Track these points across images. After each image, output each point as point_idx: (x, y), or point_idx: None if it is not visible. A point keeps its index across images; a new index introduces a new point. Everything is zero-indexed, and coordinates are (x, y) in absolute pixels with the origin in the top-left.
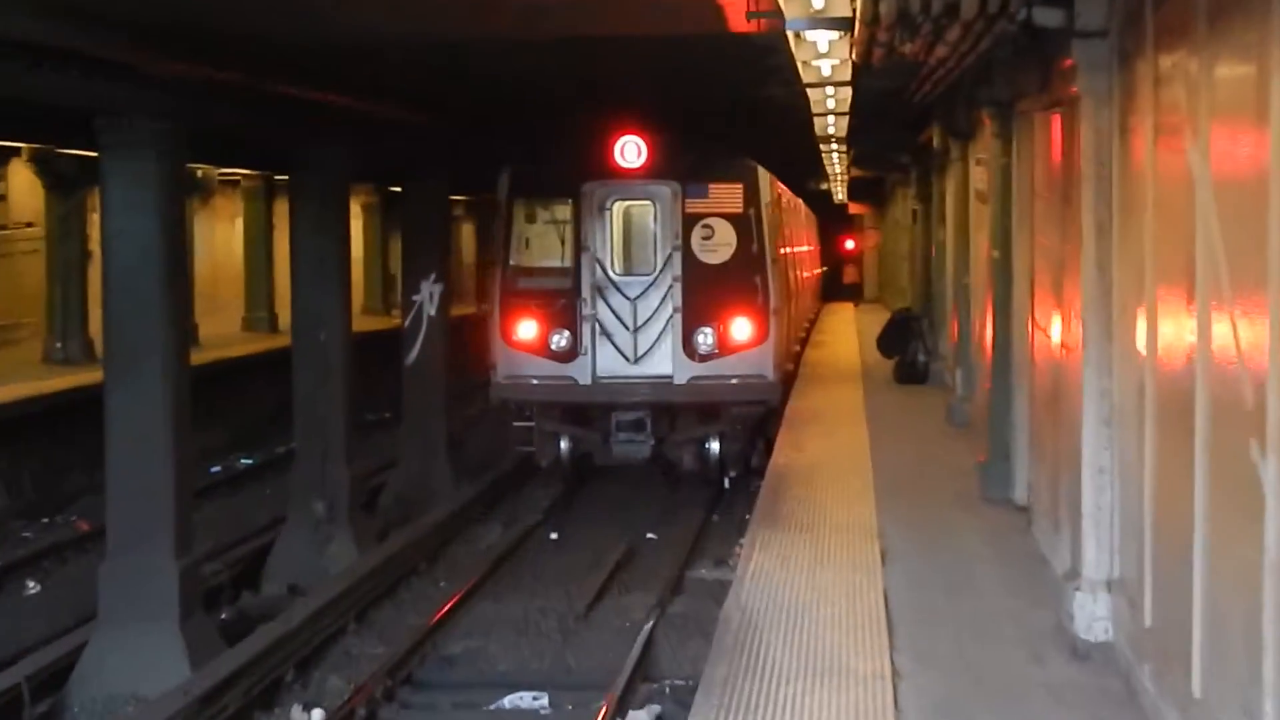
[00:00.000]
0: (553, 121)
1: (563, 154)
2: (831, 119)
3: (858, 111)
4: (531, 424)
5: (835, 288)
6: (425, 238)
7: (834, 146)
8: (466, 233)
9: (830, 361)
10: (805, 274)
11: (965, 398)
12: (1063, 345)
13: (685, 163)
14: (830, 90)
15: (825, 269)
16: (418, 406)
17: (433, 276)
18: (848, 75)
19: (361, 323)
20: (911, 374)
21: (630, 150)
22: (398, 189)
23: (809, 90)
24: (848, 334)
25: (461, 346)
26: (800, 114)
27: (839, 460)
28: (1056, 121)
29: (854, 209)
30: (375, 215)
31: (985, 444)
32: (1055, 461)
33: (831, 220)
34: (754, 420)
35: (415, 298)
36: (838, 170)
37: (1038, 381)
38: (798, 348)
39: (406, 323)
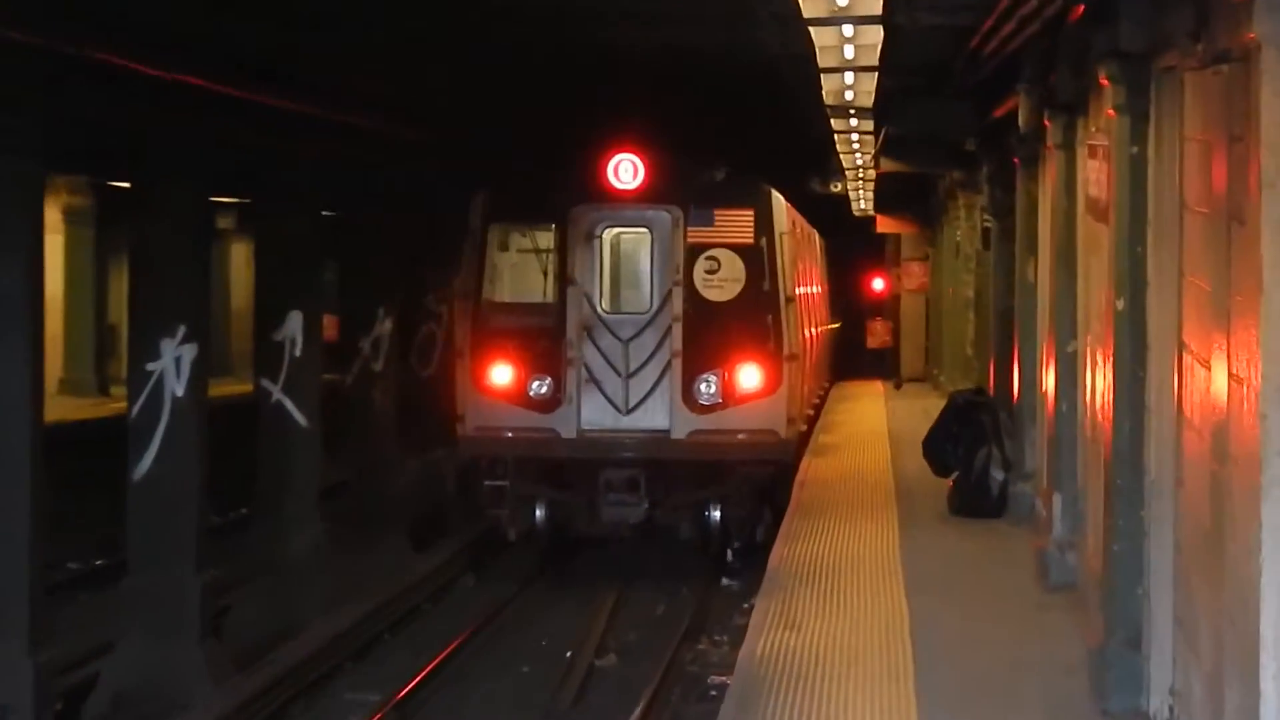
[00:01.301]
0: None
1: (545, 173)
2: (850, 78)
3: (893, 67)
4: (504, 483)
5: (854, 356)
6: (170, 268)
7: (853, 123)
8: (238, 260)
9: (845, 479)
10: (810, 330)
11: (1069, 542)
12: (1229, 455)
13: (687, 185)
14: (848, 31)
15: (838, 325)
16: (153, 548)
17: (181, 332)
18: (877, 7)
19: (61, 408)
20: (979, 500)
21: (625, 169)
22: (126, 185)
23: (813, 30)
24: (873, 434)
25: (233, 448)
26: (800, 67)
27: (859, 646)
28: (1220, 87)
29: (885, 225)
30: (87, 229)
31: (1101, 619)
32: (1216, 650)
33: (849, 245)
34: (762, 483)
35: (152, 366)
36: (859, 162)
37: (1188, 515)
38: (810, 411)
39: (136, 408)
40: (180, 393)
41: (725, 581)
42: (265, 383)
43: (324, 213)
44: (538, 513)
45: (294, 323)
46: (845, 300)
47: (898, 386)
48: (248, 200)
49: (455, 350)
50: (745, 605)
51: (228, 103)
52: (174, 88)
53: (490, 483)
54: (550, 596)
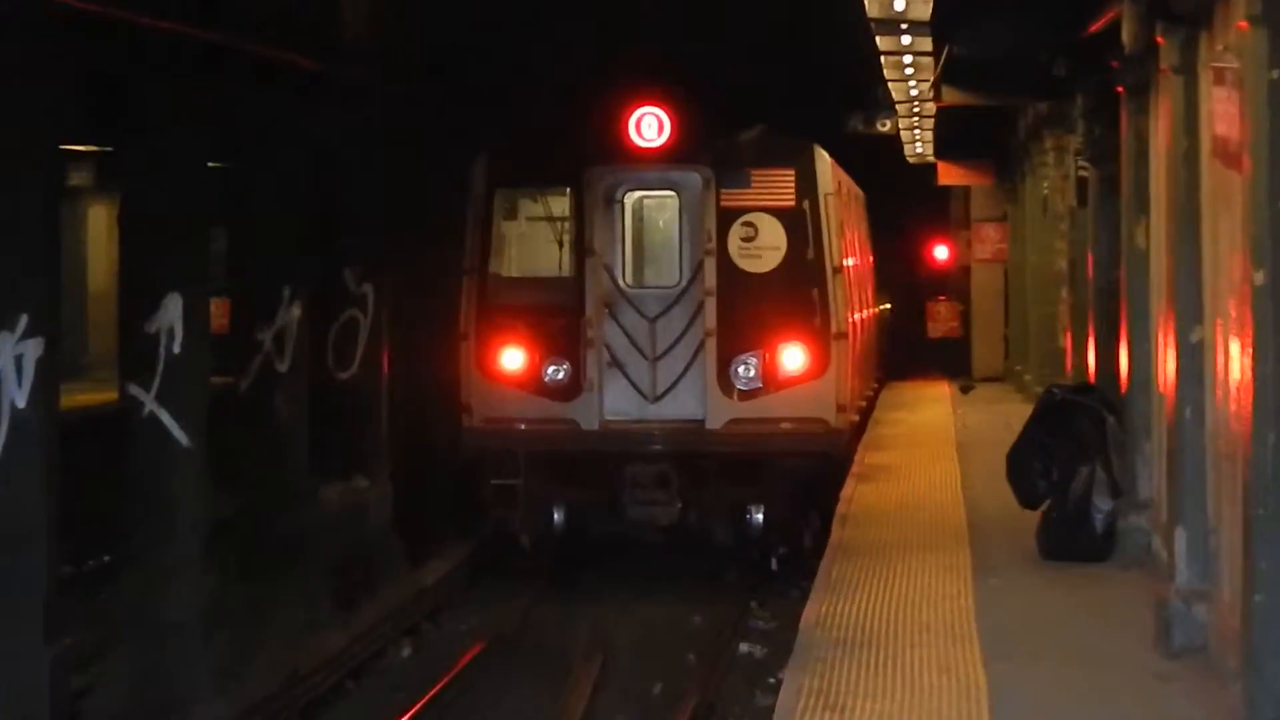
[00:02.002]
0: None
1: (558, 130)
2: None
3: None
4: (516, 482)
5: (910, 348)
6: (6, 239)
7: (906, 41)
8: (98, 227)
9: (901, 511)
10: (858, 311)
11: (1197, 592)
12: None
13: (719, 142)
14: None
15: (888, 307)
16: None
17: (22, 323)
18: None
19: None
20: (1078, 538)
21: (648, 125)
22: None
23: None
24: (936, 450)
25: (93, 475)
26: None
27: None
28: None
29: (949, 176)
30: None
31: (1241, 693)
32: None
33: (902, 202)
34: (808, 480)
35: None
36: (915, 93)
37: None
38: (862, 402)
39: None
40: (22, 403)
41: (744, 648)
42: (134, 389)
43: (211, 165)
44: (555, 516)
45: (171, 309)
46: (898, 275)
47: (966, 389)
48: (109, 149)
49: (459, 333)
50: (771, 679)
51: (81, 20)
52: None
53: (499, 481)
54: (510, 669)
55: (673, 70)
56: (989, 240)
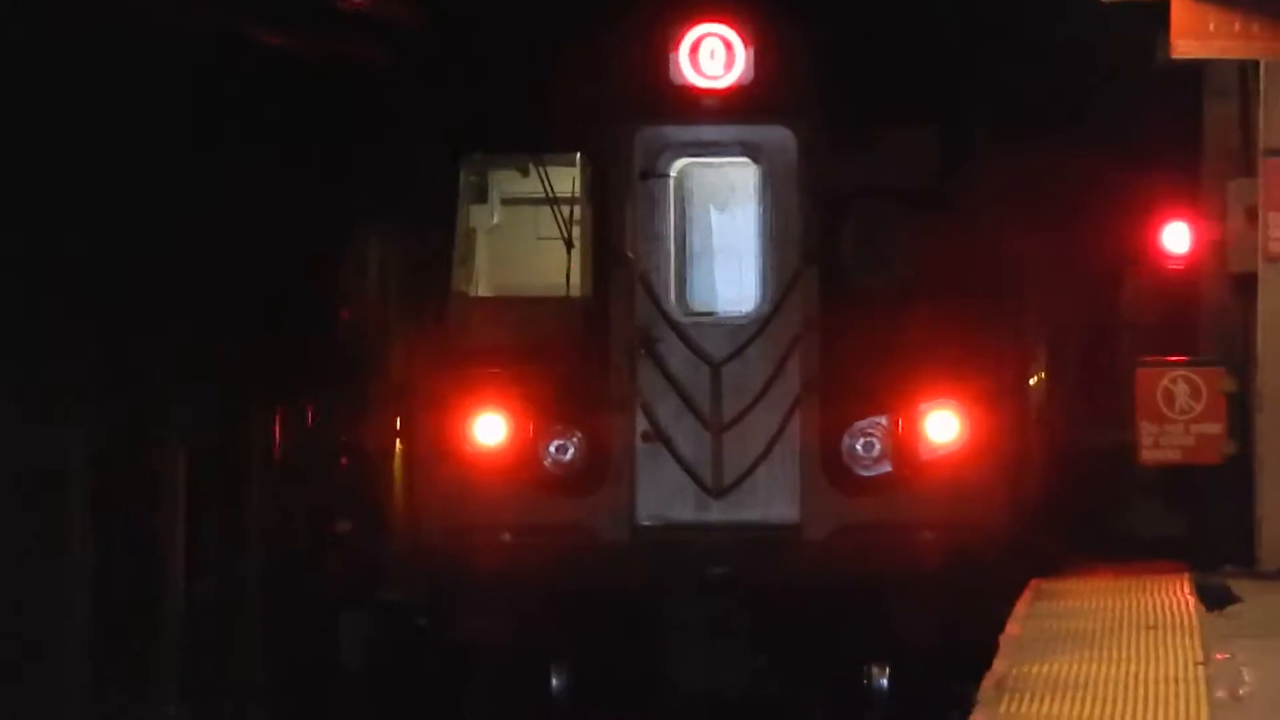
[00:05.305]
0: None
1: (564, 63)
2: None
3: None
4: (501, 627)
5: (1087, 483)
6: None
7: None
8: None
9: None
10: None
11: None
12: None
13: (821, 81)
14: None
15: (1041, 379)
16: None
17: None
18: None
19: None
20: None
21: (710, 55)
22: None
23: None
24: None
25: None
26: None
27: None
28: None
29: (1194, 36)
30: None
31: None
32: None
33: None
34: (962, 624)
35: None
36: None
37: None
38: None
39: None
40: None
41: None
42: None
43: None
44: (554, 683)
45: None
46: (1064, 298)
47: (1221, 600)
48: None
49: (405, 389)
50: None
51: None
52: None
53: (474, 620)
54: None
55: None
56: None
